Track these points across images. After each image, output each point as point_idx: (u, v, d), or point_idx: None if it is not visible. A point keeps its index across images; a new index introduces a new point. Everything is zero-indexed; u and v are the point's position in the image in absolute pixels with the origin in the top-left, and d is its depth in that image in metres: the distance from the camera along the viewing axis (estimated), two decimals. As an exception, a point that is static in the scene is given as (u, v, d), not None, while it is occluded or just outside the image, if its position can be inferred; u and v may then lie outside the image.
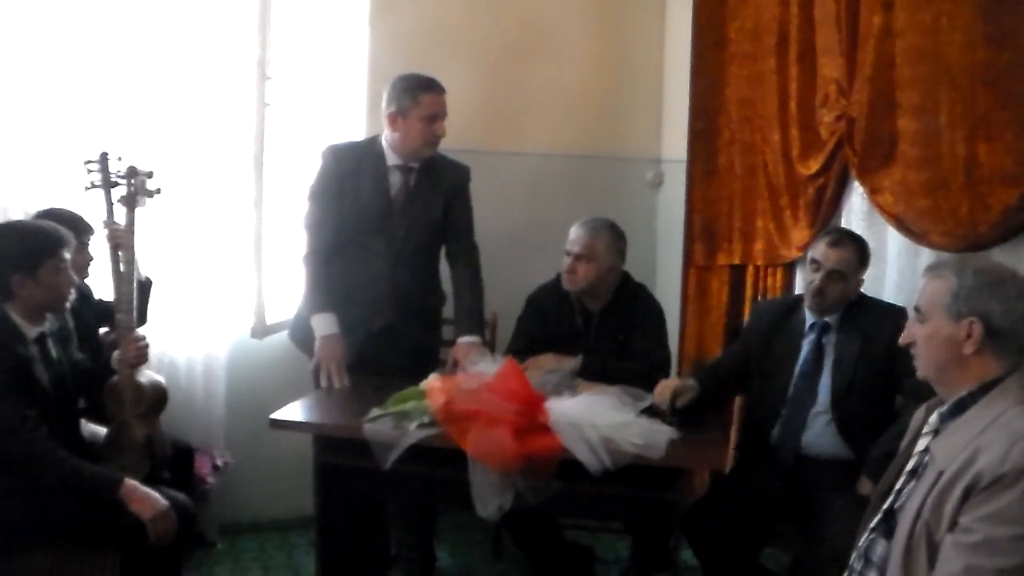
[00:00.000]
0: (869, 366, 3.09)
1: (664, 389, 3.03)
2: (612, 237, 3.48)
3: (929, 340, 2.01)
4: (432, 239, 3.57)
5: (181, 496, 2.97)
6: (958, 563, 1.78)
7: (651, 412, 2.97)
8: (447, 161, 3.59)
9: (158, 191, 3.20)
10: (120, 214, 3.20)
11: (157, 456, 3.10)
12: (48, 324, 2.91)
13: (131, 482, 2.79)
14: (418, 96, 3.39)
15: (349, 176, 3.48)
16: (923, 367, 2.05)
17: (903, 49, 3.23)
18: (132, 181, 3.14)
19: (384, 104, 3.45)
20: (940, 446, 1.95)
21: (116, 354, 3.08)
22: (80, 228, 3.26)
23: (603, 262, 3.46)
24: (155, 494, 2.80)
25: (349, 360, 3.46)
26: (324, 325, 3.42)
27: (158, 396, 3.16)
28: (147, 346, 3.13)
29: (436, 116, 3.42)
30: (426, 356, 3.54)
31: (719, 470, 2.98)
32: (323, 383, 3.38)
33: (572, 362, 3.31)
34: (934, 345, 2.00)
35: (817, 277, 3.13)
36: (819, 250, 3.16)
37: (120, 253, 3.14)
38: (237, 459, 3.98)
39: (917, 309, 2.05)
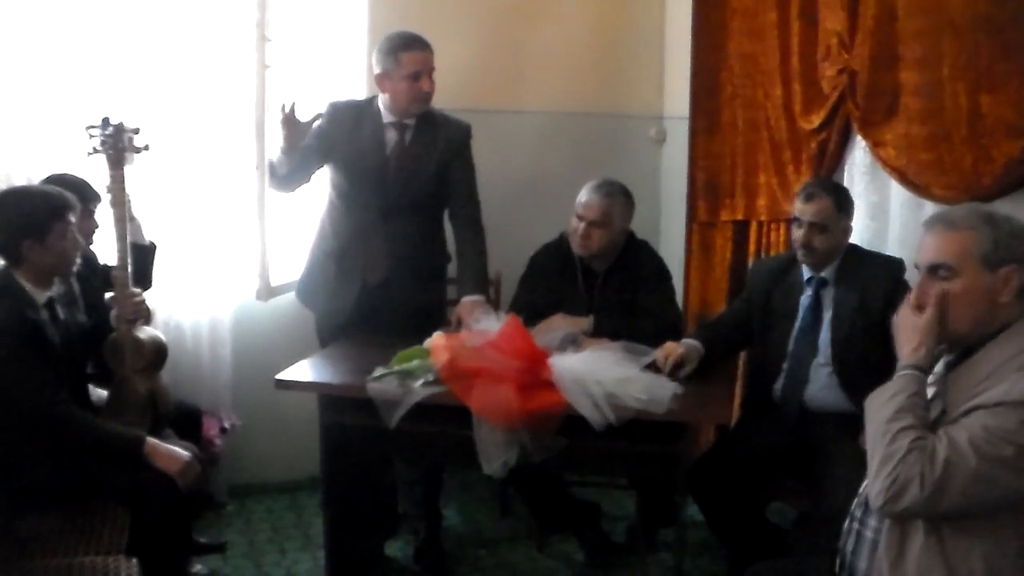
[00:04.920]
0: (867, 318, 3.08)
1: (668, 353, 3.04)
2: (625, 202, 3.47)
3: (965, 295, 1.94)
4: (429, 197, 3.56)
5: (191, 447, 3.02)
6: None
7: (654, 367, 2.98)
8: (447, 119, 3.58)
9: (146, 147, 3.17)
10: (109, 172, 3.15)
11: (160, 411, 3.14)
12: (55, 288, 2.93)
13: (152, 440, 2.85)
14: (399, 56, 3.38)
15: (345, 134, 3.49)
16: (955, 325, 1.96)
17: (905, 1, 3.21)
18: (119, 138, 3.11)
19: (374, 67, 3.45)
20: (947, 389, 1.94)
21: (114, 311, 3.10)
22: (87, 195, 3.26)
23: (616, 228, 3.45)
24: (176, 448, 2.88)
25: (347, 313, 3.50)
26: None
27: (158, 351, 3.18)
28: (143, 301, 3.15)
29: (420, 73, 3.40)
30: (428, 315, 3.54)
31: (724, 425, 3.00)
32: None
33: (584, 323, 3.31)
34: (972, 299, 1.94)
35: (801, 233, 3.15)
36: (797, 207, 3.18)
37: (112, 210, 3.13)
38: (245, 421, 4.01)
39: (939, 267, 1.97)
